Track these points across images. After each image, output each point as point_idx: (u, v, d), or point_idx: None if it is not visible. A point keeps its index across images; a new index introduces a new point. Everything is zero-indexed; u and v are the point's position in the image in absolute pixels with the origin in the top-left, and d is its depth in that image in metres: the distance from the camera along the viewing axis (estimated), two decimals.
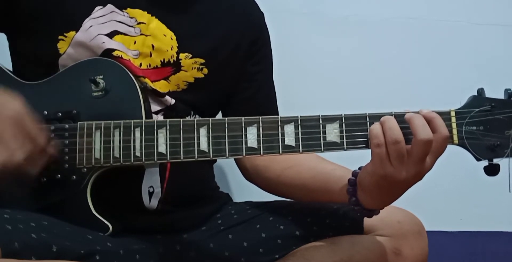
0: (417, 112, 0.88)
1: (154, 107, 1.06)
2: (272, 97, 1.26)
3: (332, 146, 0.92)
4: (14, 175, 0.88)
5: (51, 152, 0.94)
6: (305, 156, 1.07)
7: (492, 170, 0.90)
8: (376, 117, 0.90)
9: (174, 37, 1.10)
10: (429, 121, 0.87)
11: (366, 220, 1.06)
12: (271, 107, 1.25)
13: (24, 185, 0.98)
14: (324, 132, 0.92)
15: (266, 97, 1.24)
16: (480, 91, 0.91)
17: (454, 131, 0.90)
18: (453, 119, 0.90)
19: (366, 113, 0.91)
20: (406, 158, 0.86)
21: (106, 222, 0.97)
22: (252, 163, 1.19)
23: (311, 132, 0.90)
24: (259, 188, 1.21)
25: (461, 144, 0.90)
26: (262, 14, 1.25)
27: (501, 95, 0.91)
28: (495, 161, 0.90)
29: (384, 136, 0.86)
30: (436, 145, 0.86)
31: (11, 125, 0.86)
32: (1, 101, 0.88)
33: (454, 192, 1.59)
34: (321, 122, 0.91)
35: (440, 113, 0.90)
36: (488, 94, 0.91)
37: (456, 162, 1.39)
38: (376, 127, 0.87)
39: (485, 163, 0.90)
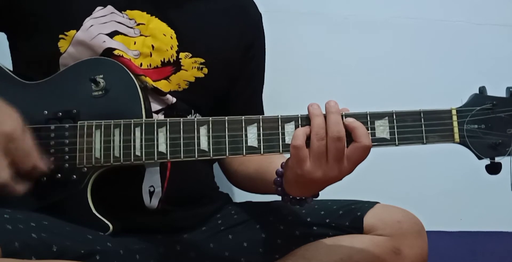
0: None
1: (155, 106, 1.06)
2: (260, 99, 1.28)
3: None
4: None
5: (42, 169, 0.93)
6: None
7: (493, 168, 0.89)
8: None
9: (174, 36, 1.10)
10: (351, 130, 0.87)
11: (366, 220, 1.06)
12: (260, 109, 1.28)
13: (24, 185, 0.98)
14: None
15: (257, 98, 1.27)
16: (482, 90, 0.91)
17: (456, 130, 0.90)
18: (454, 118, 0.90)
19: (367, 112, 0.91)
20: (324, 159, 0.87)
21: (106, 221, 0.97)
22: (223, 161, 1.25)
23: None
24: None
25: (462, 143, 0.90)
26: (260, 15, 1.26)
27: (502, 94, 0.91)
28: (497, 159, 0.89)
29: (311, 133, 0.87)
30: (356, 152, 0.87)
31: (2, 143, 0.86)
32: None
33: (454, 192, 1.59)
34: None
35: (441, 112, 0.90)
36: (490, 93, 0.91)
37: (456, 162, 1.41)
38: (300, 129, 0.89)
39: (486, 161, 0.90)
